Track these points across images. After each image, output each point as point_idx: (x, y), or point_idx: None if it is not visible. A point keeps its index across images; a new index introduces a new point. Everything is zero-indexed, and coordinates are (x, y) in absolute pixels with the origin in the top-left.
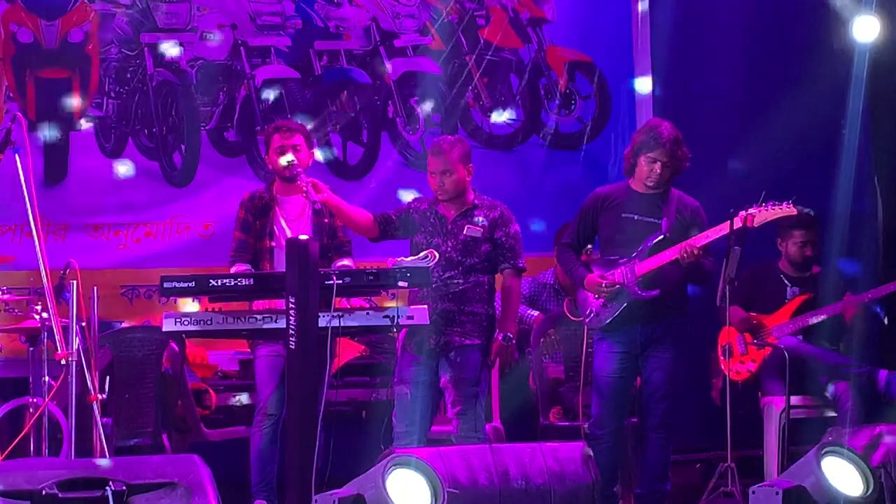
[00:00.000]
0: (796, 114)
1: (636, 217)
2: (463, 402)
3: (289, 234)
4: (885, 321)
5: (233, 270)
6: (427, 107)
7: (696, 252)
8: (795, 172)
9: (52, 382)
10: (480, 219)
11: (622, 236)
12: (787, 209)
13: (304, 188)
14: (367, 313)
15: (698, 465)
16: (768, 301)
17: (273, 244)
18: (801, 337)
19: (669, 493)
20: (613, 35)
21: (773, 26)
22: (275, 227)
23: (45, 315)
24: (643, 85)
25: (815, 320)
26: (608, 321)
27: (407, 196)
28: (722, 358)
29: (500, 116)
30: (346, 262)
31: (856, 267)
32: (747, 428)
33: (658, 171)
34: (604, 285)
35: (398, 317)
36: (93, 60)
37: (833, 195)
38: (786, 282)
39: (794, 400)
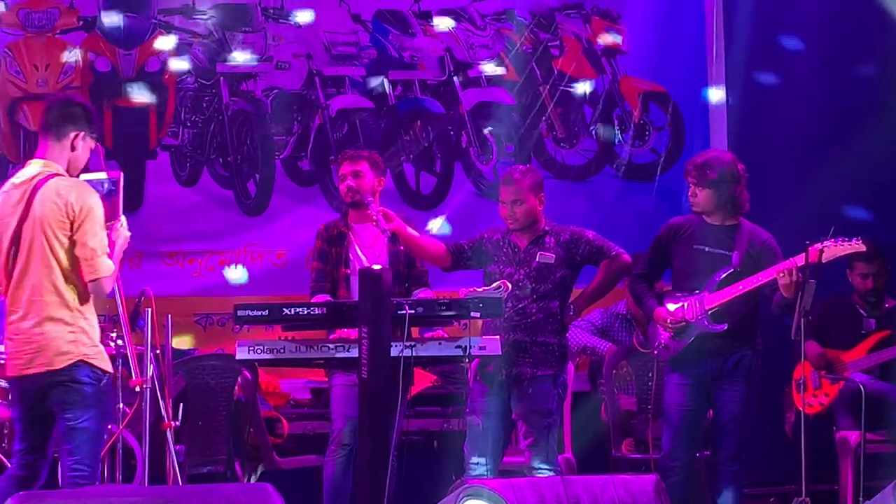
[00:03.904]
0: (871, 145)
1: (707, 249)
2: (535, 433)
3: (364, 261)
4: None
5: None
6: (500, 137)
7: (795, 271)
8: (870, 204)
9: (127, 409)
10: (552, 244)
11: (693, 268)
12: (855, 245)
13: (375, 217)
14: (440, 343)
15: (772, 499)
16: (844, 334)
17: (348, 272)
18: (876, 373)
19: None
20: (688, 66)
21: (849, 59)
22: (350, 255)
23: (119, 342)
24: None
25: (887, 357)
26: (677, 353)
27: None
28: (796, 392)
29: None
30: (425, 293)
31: None
32: (821, 462)
33: (690, 193)
34: (669, 322)
35: (470, 347)
36: (169, 90)
37: None
38: (862, 312)
39: (870, 435)
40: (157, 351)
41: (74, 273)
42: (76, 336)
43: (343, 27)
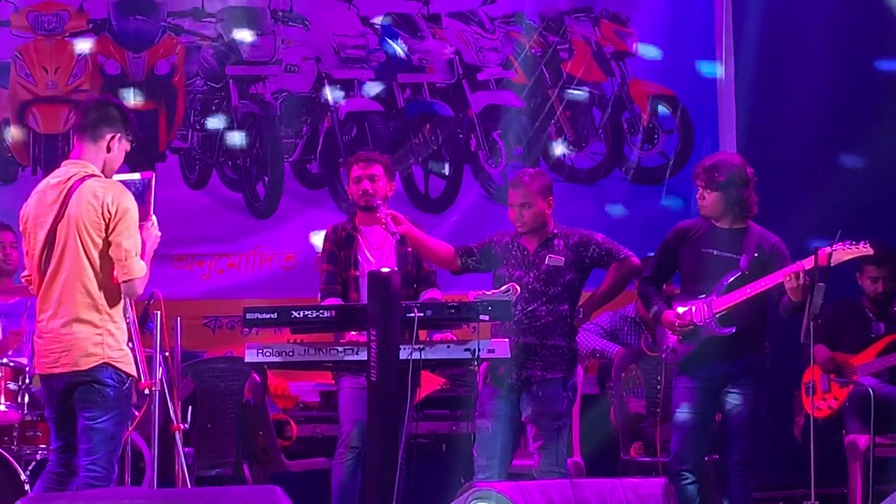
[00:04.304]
0: (881, 148)
1: (715, 252)
2: (545, 436)
3: (372, 262)
4: None
5: (325, 304)
6: (509, 140)
7: (803, 274)
8: (878, 206)
9: (136, 412)
10: (561, 247)
11: (701, 271)
12: (863, 249)
13: (384, 220)
14: (448, 346)
15: (781, 503)
16: (854, 338)
17: (357, 273)
18: (886, 377)
19: None
20: (697, 69)
21: (859, 60)
22: (358, 257)
23: (129, 345)
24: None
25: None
26: (685, 357)
27: None
28: (805, 395)
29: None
30: (433, 293)
31: None
32: (830, 466)
33: (699, 196)
34: (677, 325)
35: (479, 350)
36: (178, 92)
37: None
38: (871, 316)
39: (879, 439)
40: (167, 354)
41: (106, 275)
42: (103, 339)
43: (352, 30)
